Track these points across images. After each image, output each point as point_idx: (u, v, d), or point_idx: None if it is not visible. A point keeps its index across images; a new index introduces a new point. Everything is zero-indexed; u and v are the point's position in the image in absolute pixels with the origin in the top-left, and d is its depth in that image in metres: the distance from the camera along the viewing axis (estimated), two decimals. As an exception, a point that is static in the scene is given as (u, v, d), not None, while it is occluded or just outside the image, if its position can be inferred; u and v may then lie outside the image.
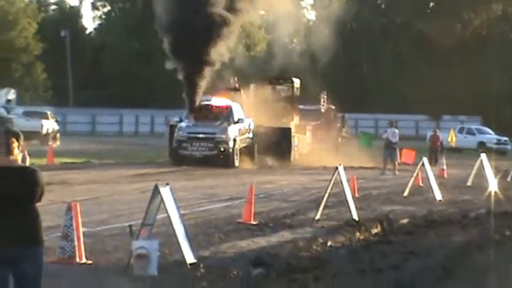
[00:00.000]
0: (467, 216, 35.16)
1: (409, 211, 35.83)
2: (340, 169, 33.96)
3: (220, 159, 51.90)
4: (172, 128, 62.83)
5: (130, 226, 22.93)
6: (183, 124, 60.98)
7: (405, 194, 41.33)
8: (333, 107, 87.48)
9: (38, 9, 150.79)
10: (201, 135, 52.00)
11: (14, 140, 13.58)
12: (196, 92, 59.14)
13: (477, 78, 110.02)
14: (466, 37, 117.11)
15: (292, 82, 65.46)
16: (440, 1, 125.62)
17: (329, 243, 27.55)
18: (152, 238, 22.14)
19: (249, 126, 56.98)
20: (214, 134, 52.29)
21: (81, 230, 22.61)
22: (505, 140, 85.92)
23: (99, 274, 21.10)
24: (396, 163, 55.78)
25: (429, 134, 74.83)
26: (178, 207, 23.32)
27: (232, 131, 52.83)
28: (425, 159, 43.35)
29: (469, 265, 25.26)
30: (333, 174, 33.79)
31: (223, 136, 52.19)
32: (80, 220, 22.63)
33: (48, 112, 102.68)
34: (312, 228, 30.53)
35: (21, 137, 14.04)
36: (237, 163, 52.70)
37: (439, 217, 34.86)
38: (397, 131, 59.49)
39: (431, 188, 41.21)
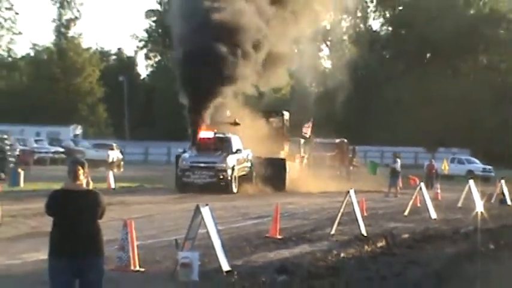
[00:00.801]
0: (458, 232, 35.13)
1: (409, 228, 35.76)
2: (351, 192, 34.03)
3: (220, 185, 50.07)
4: (177, 158, 60.69)
5: (176, 240, 22.99)
6: (186, 155, 59.25)
7: (406, 213, 41.30)
8: (345, 140, 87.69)
9: (100, 59, 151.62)
10: (202, 164, 50.80)
11: (79, 167, 13.84)
12: (198, 126, 58.05)
13: (466, 118, 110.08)
14: (456, 82, 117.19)
15: (283, 115, 63.64)
16: (435, 52, 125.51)
17: (342, 255, 27.53)
18: (194, 250, 22.19)
19: (247, 156, 55.54)
20: (214, 163, 51.06)
21: (135, 242, 22.61)
22: (489, 169, 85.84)
23: (150, 280, 21.09)
24: (398, 188, 55.76)
25: (426, 163, 74.93)
26: (216, 224, 23.32)
27: (231, 160, 51.35)
28: (422, 184, 43.33)
29: (460, 272, 25.24)
30: (345, 197, 33.93)
31: (223, 165, 50.81)
32: (134, 234, 22.65)
33: (114, 144, 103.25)
34: (328, 242, 30.50)
35: (86, 165, 14.24)
36: (235, 190, 50.95)
37: (434, 233, 34.81)
38: (399, 161, 59.88)
39: (428, 208, 41.22)
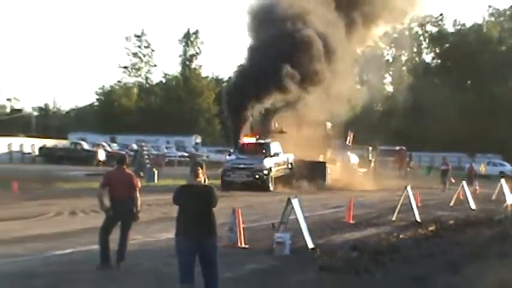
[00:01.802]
0: (492, 219, 34.81)
1: (454, 215, 35.51)
2: (408, 188, 33.93)
3: (257, 184, 47.92)
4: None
5: (272, 224, 23.11)
6: (229, 157, 57.61)
7: (451, 204, 41.08)
8: (404, 148, 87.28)
9: (215, 84, 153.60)
10: (241, 166, 48.74)
11: (199, 168, 14.14)
12: (240, 133, 56.11)
13: (498, 131, 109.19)
14: (491, 103, 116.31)
15: (325, 125, 60.90)
16: (474, 80, 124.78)
17: (401, 236, 27.46)
18: (286, 231, 22.20)
19: (287, 159, 53.41)
20: (252, 164, 48.95)
21: (242, 225, 22.72)
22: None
23: (253, 255, 21.13)
24: (447, 184, 55.42)
25: (467, 165, 74.42)
26: (303, 211, 23.37)
27: (268, 162, 49.36)
28: (464, 182, 43.16)
29: (494, 251, 25.06)
30: (403, 191, 33.86)
31: (260, 166, 48.82)
32: (240, 219, 22.76)
33: (231, 150, 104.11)
34: (389, 226, 30.45)
35: (204, 166, 14.47)
36: (271, 188, 48.72)
37: (474, 219, 34.52)
38: (449, 164, 60.04)
39: (468, 200, 40.96)
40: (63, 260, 19.98)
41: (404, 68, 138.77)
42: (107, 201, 18.45)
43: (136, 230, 19.40)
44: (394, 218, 32.60)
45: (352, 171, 61.98)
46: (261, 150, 51.03)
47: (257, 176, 47.68)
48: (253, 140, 54.59)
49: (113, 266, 18.20)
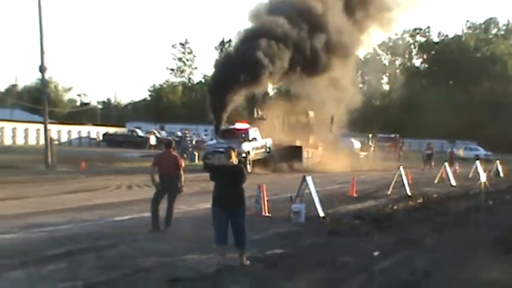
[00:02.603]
0: (469, 193, 34.77)
1: (437, 191, 35.46)
2: (401, 168, 33.86)
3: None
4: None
5: (291, 197, 23.04)
6: (210, 142, 54.95)
7: (436, 181, 41.03)
8: (398, 135, 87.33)
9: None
10: (220, 149, 41.69)
11: (232, 152, 14.09)
12: (221, 120, 51.10)
13: (474, 121, 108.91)
14: (469, 98, 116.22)
15: (308, 113, 56.09)
16: (455, 81, 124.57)
17: (395, 207, 27.43)
18: (301, 203, 22.16)
19: (266, 143, 49.18)
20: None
21: (265, 198, 22.69)
22: (489, 154, 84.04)
23: (274, 222, 21.11)
24: (432, 165, 55.21)
25: (448, 150, 74.43)
26: (315, 187, 23.33)
27: (246, 146, 45.63)
28: (446, 164, 43.05)
29: (469, 219, 25.01)
30: (397, 171, 33.83)
31: (238, 150, 44.33)
32: (265, 192, 22.74)
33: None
34: (385, 199, 30.41)
35: (236, 150, 14.63)
36: (249, 169, 44.21)
37: (454, 194, 34.53)
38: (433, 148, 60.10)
39: (449, 178, 40.87)
40: (122, 225, 20.13)
41: (398, 70, 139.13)
42: (157, 178, 18.64)
43: (180, 201, 19.44)
44: (389, 192, 32.58)
45: (338, 154, 56.14)
46: (240, 135, 47.55)
47: None
48: (232, 126, 51.18)
49: (161, 230, 18.31)
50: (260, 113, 55.73)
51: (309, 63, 55.18)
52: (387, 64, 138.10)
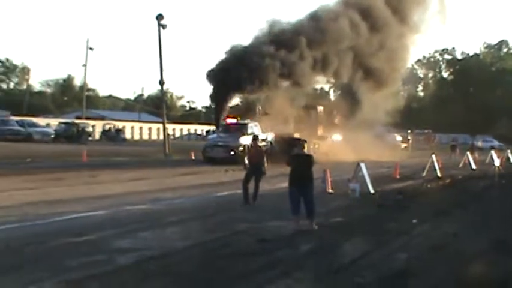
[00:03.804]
0: (486, 175, 34.15)
1: (462, 173, 34.90)
2: (433, 156, 33.41)
3: (232, 159, 36.79)
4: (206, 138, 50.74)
5: (348, 178, 22.90)
6: (210, 136, 49.18)
7: (460, 166, 40.38)
8: (430, 131, 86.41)
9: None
10: (220, 143, 38.97)
11: (303, 143, 14.09)
12: (220, 116, 45.42)
13: (491, 120, 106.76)
14: (486, 102, 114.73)
15: (316, 108, 49.72)
16: (475, 88, 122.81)
17: (428, 186, 27.11)
18: (356, 182, 21.99)
19: (266, 137, 41.31)
20: (228, 142, 38.55)
21: (329, 178, 22.57)
22: (502, 145, 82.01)
23: (336, 197, 21.00)
24: (457, 153, 54.19)
25: (470, 142, 73.43)
26: (367, 171, 23.15)
27: (244, 140, 37.28)
28: (468, 152, 42.35)
29: (488, 194, 24.64)
30: (430, 158, 33.39)
31: (235, 144, 37.98)
32: (328, 175, 22.63)
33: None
34: (421, 180, 29.99)
35: (307, 142, 14.66)
36: (247, 162, 38.53)
37: (474, 175, 33.94)
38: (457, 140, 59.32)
39: (471, 164, 40.18)
40: (221, 199, 20.24)
41: (430, 81, 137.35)
42: (247, 164, 18.76)
43: (264, 182, 19.46)
44: (424, 174, 32.08)
45: (339, 147, 49.25)
46: (240, 130, 40.65)
47: (232, 152, 37.78)
48: (232, 121, 45.28)
49: (251, 203, 18.38)
50: (261, 109, 49.70)
51: (368, 70, 51.21)
52: (422, 76, 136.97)
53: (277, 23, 48.26)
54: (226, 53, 46.61)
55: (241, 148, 36.53)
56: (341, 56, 48.45)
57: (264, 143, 38.33)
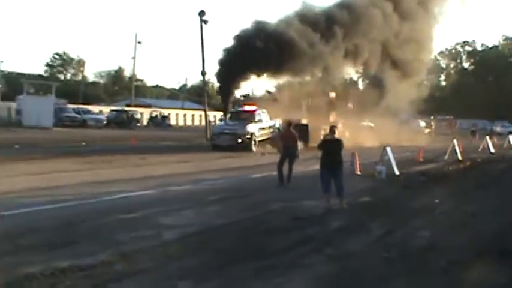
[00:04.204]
0: (504, 158, 33.72)
1: (481, 156, 34.38)
2: (454, 141, 33.07)
3: (239, 146, 34.12)
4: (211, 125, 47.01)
5: (375, 162, 22.76)
6: (217, 123, 45.57)
7: (479, 150, 39.85)
8: (452, 117, 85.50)
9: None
10: (227, 131, 35.27)
11: (334, 129, 14.13)
12: (227, 103, 42.31)
13: (508, 106, 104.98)
14: (502, 88, 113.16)
15: (328, 94, 44.66)
16: (494, 76, 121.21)
17: (450, 168, 26.82)
18: (383, 165, 21.88)
19: (274, 124, 37.86)
20: (236, 130, 34.93)
21: (357, 161, 22.45)
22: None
23: (364, 179, 20.86)
24: (476, 138, 53.47)
25: (489, 127, 72.77)
26: (393, 154, 22.98)
27: (251, 127, 35.42)
28: (487, 137, 41.83)
29: (506, 176, 24.36)
30: (451, 142, 33.06)
31: (242, 131, 34.68)
32: (357, 158, 22.51)
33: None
34: (443, 162, 29.66)
35: (337, 127, 14.69)
36: (254, 149, 34.83)
37: (493, 158, 33.53)
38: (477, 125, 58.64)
39: (489, 148, 39.64)
40: (257, 180, 20.30)
41: (452, 71, 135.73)
42: (281, 147, 18.80)
43: (298, 164, 19.42)
44: (446, 158, 31.70)
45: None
46: (247, 117, 36.91)
47: (239, 140, 34.58)
48: (240, 108, 41.08)
49: (285, 185, 18.40)
50: (271, 93, 46.54)
51: (396, 61, 48.82)
52: (444, 66, 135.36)
53: (309, 7, 45.09)
54: (243, 31, 42.57)
55: (248, 136, 34.55)
56: (371, 46, 46.25)
57: (271, 130, 36.86)
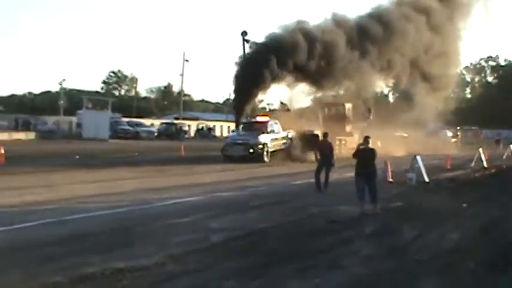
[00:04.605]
0: (527, 166, 33.17)
1: (505, 163, 33.75)
2: (480, 149, 32.59)
3: (252, 157, 31.41)
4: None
5: (406, 169, 22.44)
6: (230, 134, 41.20)
7: (504, 157, 39.13)
8: (477, 127, 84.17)
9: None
10: (239, 141, 32.48)
11: (369, 139, 14.09)
12: (240, 114, 37.42)
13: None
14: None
15: (344, 105, 41.66)
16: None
17: (476, 175, 26.44)
18: (413, 172, 21.65)
19: (287, 135, 34.83)
20: (248, 140, 32.12)
21: (389, 169, 22.21)
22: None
23: (395, 185, 20.67)
24: (500, 147, 52.61)
25: (512, 137, 72.08)
26: (423, 163, 22.68)
27: (263, 138, 32.54)
28: (511, 146, 41.08)
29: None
30: (477, 151, 32.56)
31: (254, 142, 31.96)
32: (389, 166, 22.27)
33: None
34: (470, 169, 29.23)
35: (371, 139, 14.47)
36: (266, 160, 32.01)
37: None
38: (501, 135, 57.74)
39: (513, 155, 39.06)
40: (297, 187, 20.25)
41: (476, 84, 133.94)
42: (319, 157, 18.82)
43: (333, 172, 19.32)
44: (472, 165, 31.18)
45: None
46: (259, 128, 33.70)
47: (251, 150, 31.81)
48: (253, 119, 36.83)
49: (322, 191, 18.41)
50: (284, 105, 42.92)
51: (426, 75, 46.39)
52: (469, 80, 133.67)
53: (341, 17, 41.46)
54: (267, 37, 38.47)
55: (260, 146, 31.98)
56: (403, 61, 43.57)
57: (283, 141, 34.48)
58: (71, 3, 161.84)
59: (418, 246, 10.90)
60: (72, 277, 7.90)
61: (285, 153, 34.01)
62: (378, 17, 42.24)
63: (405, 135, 47.45)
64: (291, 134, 35.08)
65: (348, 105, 41.84)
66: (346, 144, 37.96)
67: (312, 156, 28.78)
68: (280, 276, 8.55)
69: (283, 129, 34.99)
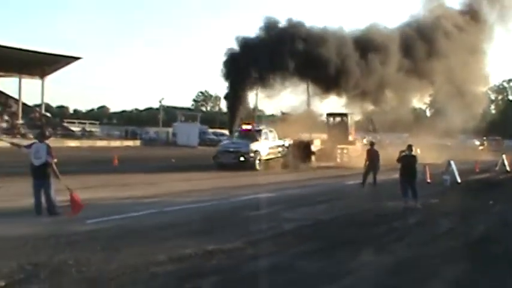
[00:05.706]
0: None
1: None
2: (503, 156, 31.29)
3: (242, 165, 25.66)
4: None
5: (442, 171, 21.79)
6: (222, 142, 30.89)
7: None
8: (500, 137, 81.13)
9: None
10: (231, 149, 26.72)
11: (412, 147, 14.54)
12: (233, 122, 32.49)
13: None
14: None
15: (347, 115, 35.29)
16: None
17: (500, 177, 25.47)
18: (447, 174, 21.03)
19: (283, 143, 29.05)
20: (240, 148, 26.34)
21: (428, 172, 21.37)
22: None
23: (432, 185, 20.10)
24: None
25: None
26: (456, 167, 21.89)
27: (255, 146, 26.73)
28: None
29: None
30: (500, 157, 31.20)
31: (245, 150, 26.20)
32: (427, 169, 21.51)
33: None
34: (494, 172, 28.19)
35: (413, 145, 14.38)
36: (258, 168, 26.13)
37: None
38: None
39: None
40: (347, 187, 19.79)
41: (500, 102, 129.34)
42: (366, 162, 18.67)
43: (380, 174, 19.03)
44: (497, 169, 29.89)
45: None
46: (253, 135, 27.64)
47: (242, 158, 26.12)
48: (247, 127, 29.43)
49: (372, 189, 18.21)
50: (285, 114, 37.75)
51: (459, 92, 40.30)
52: (493, 98, 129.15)
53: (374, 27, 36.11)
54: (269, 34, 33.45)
55: (251, 154, 26.40)
56: (441, 79, 37.99)
57: (279, 149, 28.88)
58: (169, 35, 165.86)
59: (452, 235, 10.69)
60: (172, 256, 8.00)
61: (285, 161, 28.74)
62: (419, 30, 36.71)
63: (448, 144, 45.23)
64: (288, 142, 29.65)
65: (350, 115, 36.18)
66: (348, 153, 32.45)
67: (303, 164, 27.64)
68: (339, 257, 8.52)
69: (280, 138, 29.47)
